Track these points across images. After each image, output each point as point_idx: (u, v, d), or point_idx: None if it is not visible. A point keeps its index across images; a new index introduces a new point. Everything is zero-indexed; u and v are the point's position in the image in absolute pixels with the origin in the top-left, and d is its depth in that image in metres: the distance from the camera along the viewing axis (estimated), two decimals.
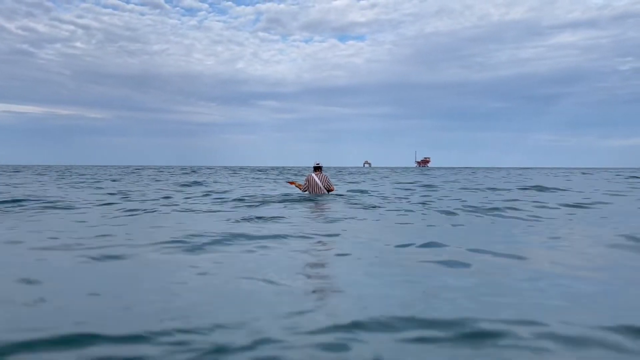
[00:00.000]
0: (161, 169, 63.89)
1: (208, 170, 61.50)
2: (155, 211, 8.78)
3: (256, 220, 7.21)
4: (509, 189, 16.18)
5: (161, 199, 11.62)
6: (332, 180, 12.06)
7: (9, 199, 10.40)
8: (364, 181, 24.92)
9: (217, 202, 11.11)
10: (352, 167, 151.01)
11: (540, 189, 16.10)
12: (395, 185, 19.72)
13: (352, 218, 7.75)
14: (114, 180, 23.82)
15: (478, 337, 2.35)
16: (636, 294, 3.32)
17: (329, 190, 11.32)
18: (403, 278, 3.62)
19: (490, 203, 10.42)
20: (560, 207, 9.54)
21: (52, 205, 9.60)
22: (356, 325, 2.45)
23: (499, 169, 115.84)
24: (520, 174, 42.24)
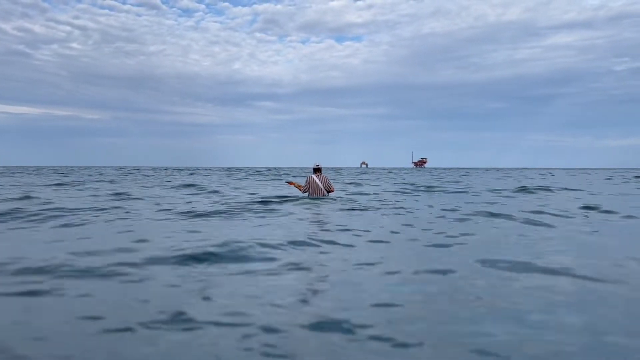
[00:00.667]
0: (158, 170, 63.64)
1: (205, 170, 61.25)
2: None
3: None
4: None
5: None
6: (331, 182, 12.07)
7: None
8: (365, 183, 24.77)
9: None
10: (349, 168, 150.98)
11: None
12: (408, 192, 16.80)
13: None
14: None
15: None
16: None
17: (328, 191, 11.38)
18: None
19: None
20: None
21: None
22: None
23: (497, 169, 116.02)
24: (521, 174, 42.19)
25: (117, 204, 10.43)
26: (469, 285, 3.48)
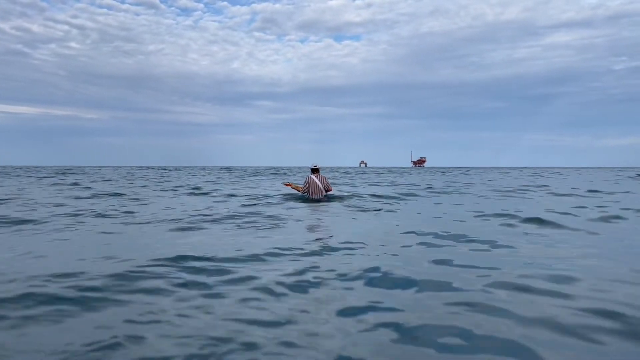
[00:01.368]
0: (156, 169, 63.61)
1: (203, 170, 61.21)
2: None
3: None
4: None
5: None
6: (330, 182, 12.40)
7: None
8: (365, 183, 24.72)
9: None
10: (348, 167, 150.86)
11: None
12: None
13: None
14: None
15: None
16: None
17: (327, 191, 11.65)
18: None
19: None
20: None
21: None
22: None
23: (498, 168, 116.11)
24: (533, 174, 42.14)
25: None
26: None
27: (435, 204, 11.49)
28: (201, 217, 7.90)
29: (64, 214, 8.40)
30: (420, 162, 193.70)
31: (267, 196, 12.86)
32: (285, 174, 42.60)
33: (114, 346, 2.35)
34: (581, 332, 2.58)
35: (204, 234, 6.25)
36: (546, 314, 2.85)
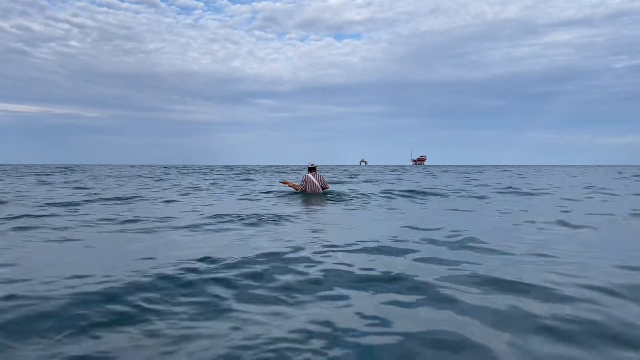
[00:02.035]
0: (156, 168, 63.70)
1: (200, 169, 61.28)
2: None
3: None
4: None
5: None
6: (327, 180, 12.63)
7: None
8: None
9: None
10: (348, 166, 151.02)
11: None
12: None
13: None
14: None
15: None
16: None
17: (324, 188, 11.95)
18: None
19: None
20: None
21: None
22: None
23: (497, 166, 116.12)
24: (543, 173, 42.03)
25: None
26: None
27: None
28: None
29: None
30: (420, 161, 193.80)
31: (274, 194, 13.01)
32: (284, 172, 42.68)
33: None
34: None
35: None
36: None
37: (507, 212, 8.67)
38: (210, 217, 7.65)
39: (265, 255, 4.38)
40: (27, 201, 10.69)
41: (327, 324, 2.65)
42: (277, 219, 7.33)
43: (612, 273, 3.77)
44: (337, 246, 4.89)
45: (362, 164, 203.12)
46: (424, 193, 13.51)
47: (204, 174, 35.68)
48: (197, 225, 6.66)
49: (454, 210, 9.15)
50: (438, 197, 12.53)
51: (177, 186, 17.85)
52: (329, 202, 10.75)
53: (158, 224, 6.88)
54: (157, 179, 25.70)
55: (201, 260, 4.09)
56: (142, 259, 4.25)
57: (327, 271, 3.80)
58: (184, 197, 12.57)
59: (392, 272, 3.74)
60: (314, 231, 6.25)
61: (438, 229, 6.30)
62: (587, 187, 17.02)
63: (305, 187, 11.88)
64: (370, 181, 22.47)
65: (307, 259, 4.24)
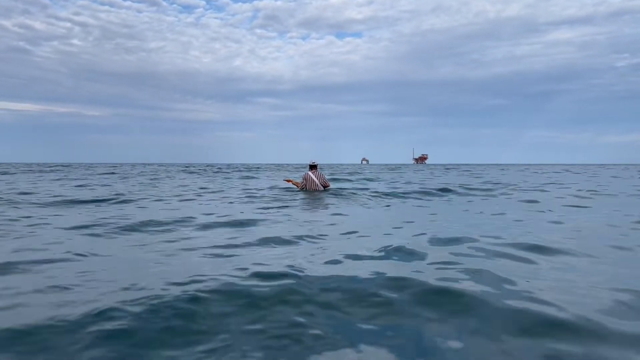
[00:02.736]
0: (156, 167, 63.44)
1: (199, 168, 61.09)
2: None
3: None
4: None
5: None
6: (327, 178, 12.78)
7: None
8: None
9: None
10: (349, 164, 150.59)
11: None
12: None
13: None
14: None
15: None
16: None
17: (325, 187, 12.10)
18: None
19: None
20: None
21: None
22: None
23: (499, 165, 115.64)
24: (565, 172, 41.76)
25: None
26: None
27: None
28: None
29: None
30: (421, 159, 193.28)
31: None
32: (288, 171, 42.39)
33: None
34: None
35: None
36: None
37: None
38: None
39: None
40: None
41: None
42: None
43: None
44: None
45: (364, 162, 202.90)
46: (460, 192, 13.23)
47: (224, 172, 35.29)
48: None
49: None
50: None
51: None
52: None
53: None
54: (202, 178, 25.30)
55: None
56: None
57: None
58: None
59: None
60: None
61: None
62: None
63: (305, 185, 12.03)
64: (411, 182, 22.13)
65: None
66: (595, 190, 13.91)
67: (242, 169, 46.25)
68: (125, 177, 24.25)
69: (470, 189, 14.55)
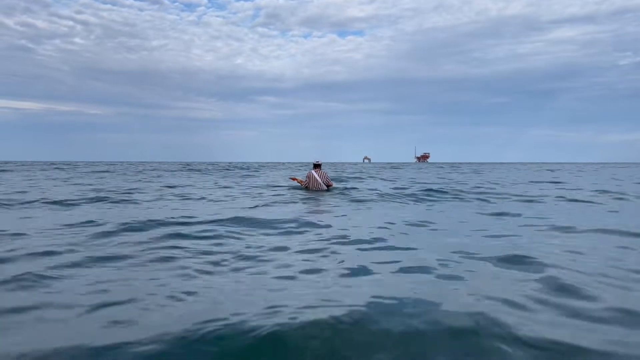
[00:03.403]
0: (155, 166, 62.69)
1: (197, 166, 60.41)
2: None
3: None
4: None
5: None
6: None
7: None
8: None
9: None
10: (351, 163, 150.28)
11: None
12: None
13: None
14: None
15: None
16: None
17: (328, 186, 11.99)
18: None
19: None
20: None
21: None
22: None
23: (501, 164, 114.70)
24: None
25: None
26: None
27: None
28: None
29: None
30: (424, 158, 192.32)
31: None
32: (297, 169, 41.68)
33: None
34: None
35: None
36: None
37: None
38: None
39: None
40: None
41: None
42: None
43: None
44: None
45: (366, 160, 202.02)
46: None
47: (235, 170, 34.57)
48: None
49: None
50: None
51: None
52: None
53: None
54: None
55: None
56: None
57: None
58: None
59: None
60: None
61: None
62: None
63: (308, 184, 12.00)
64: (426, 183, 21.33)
65: None
66: None
67: (263, 166, 44.59)
68: (147, 181, 23.40)
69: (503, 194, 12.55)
